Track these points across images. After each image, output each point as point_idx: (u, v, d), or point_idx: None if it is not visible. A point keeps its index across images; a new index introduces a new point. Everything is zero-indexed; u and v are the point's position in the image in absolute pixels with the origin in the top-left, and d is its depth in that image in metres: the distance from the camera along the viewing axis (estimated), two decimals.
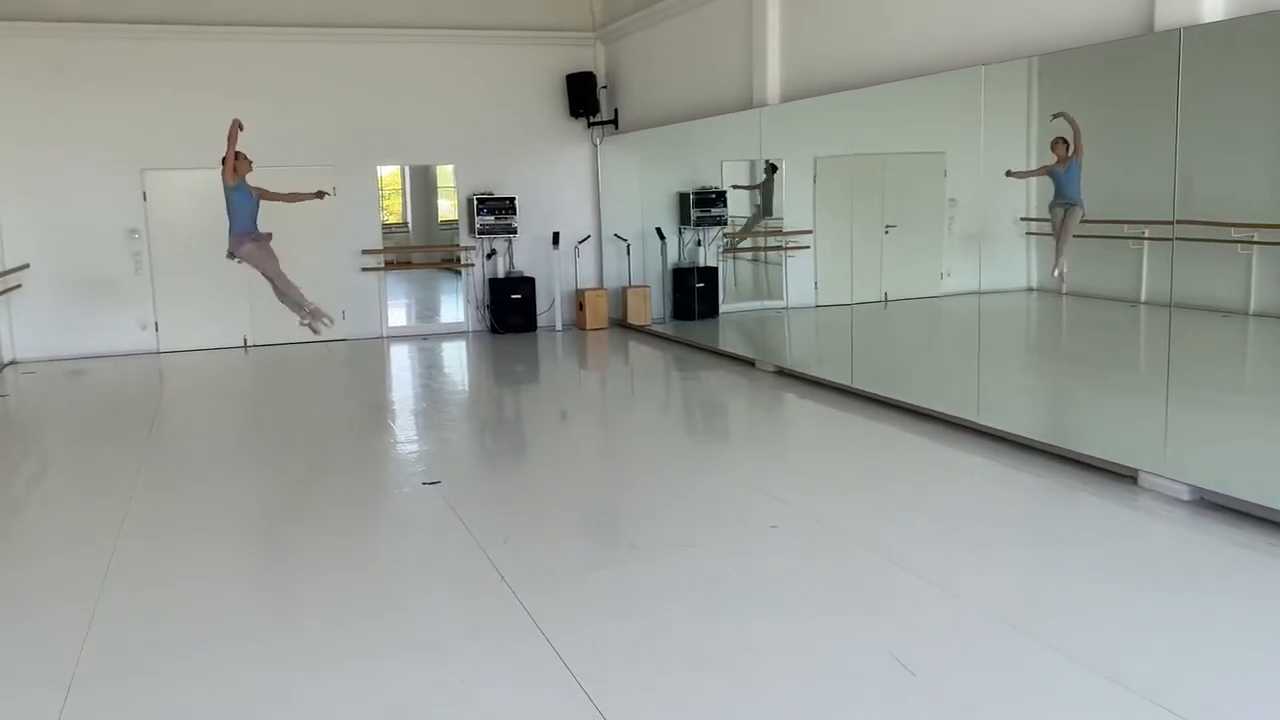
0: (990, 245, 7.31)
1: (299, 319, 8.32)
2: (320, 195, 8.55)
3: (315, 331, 8.38)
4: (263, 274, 8.18)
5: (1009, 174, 7.30)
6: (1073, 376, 7.09)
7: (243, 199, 7.96)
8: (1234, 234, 5.73)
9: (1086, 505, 5.59)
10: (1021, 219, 7.41)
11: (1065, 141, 6.81)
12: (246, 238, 7.96)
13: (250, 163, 7.96)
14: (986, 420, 6.89)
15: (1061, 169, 6.90)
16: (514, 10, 12.72)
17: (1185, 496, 5.40)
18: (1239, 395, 5.98)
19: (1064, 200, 7.05)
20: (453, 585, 4.75)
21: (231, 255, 8.10)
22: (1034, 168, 7.18)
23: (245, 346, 12.14)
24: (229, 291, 11.88)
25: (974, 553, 4.91)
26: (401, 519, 5.93)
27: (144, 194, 11.68)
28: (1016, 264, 7.44)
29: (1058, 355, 7.58)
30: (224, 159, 7.85)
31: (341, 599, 4.63)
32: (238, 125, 7.80)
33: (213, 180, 8.19)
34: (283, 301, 8.33)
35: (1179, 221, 5.56)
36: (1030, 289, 7.70)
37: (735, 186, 11.46)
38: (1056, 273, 7.23)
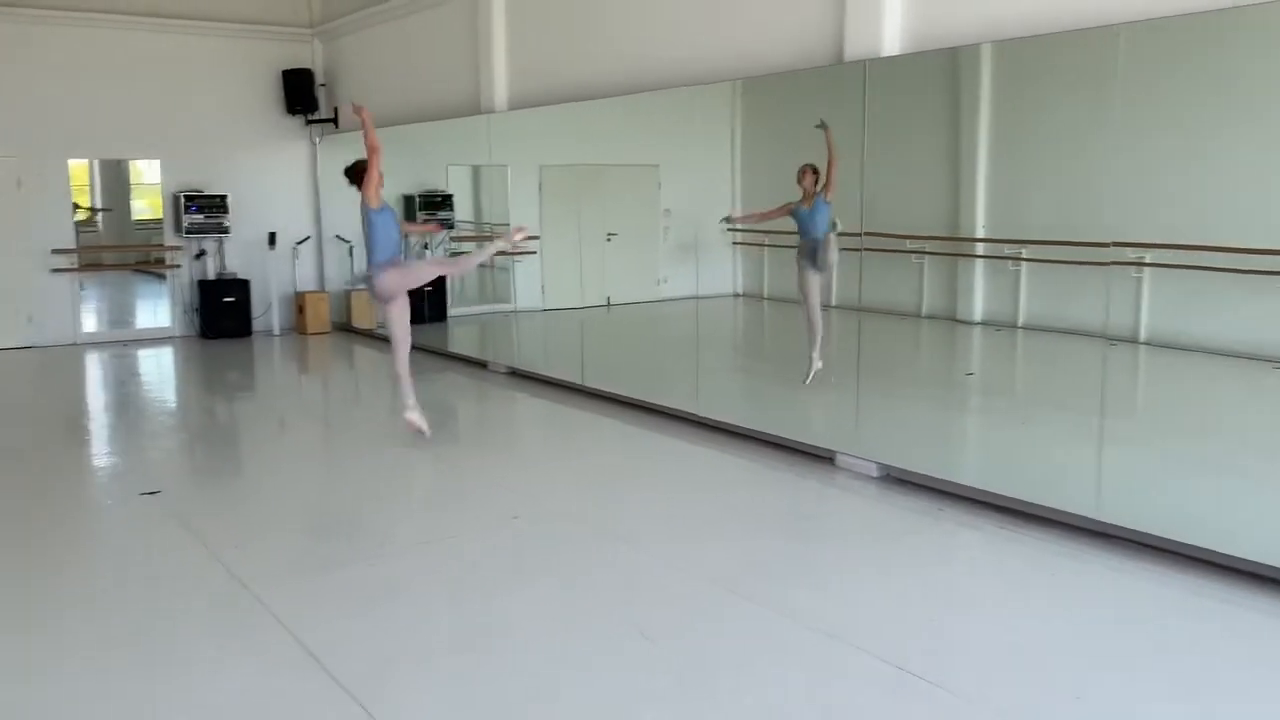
0: (701, 254, 7.84)
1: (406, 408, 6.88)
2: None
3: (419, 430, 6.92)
4: (395, 327, 6.79)
5: (726, 221, 7.40)
6: (778, 372, 7.77)
7: (389, 220, 6.64)
8: (908, 245, 6.56)
9: (793, 484, 6.20)
10: (728, 229, 8.01)
11: (815, 171, 6.60)
12: (390, 265, 6.62)
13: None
14: (705, 412, 7.42)
15: (807, 208, 6.74)
16: (225, 2, 12.15)
17: (875, 473, 6.12)
18: (915, 387, 6.83)
19: (812, 244, 6.74)
20: (188, 592, 4.58)
21: (376, 295, 6.72)
22: (763, 210, 7.05)
23: None
24: None
25: (697, 530, 5.33)
26: (122, 530, 5.61)
27: None
28: (724, 272, 8.03)
29: (764, 354, 8.29)
30: (366, 173, 6.49)
31: (67, 609, 4.41)
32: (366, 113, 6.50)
33: None
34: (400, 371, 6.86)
35: (866, 234, 6.28)
36: (737, 294, 8.35)
37: None
38: (814, 373, 6.80)
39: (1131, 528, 4.89)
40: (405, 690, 3.65)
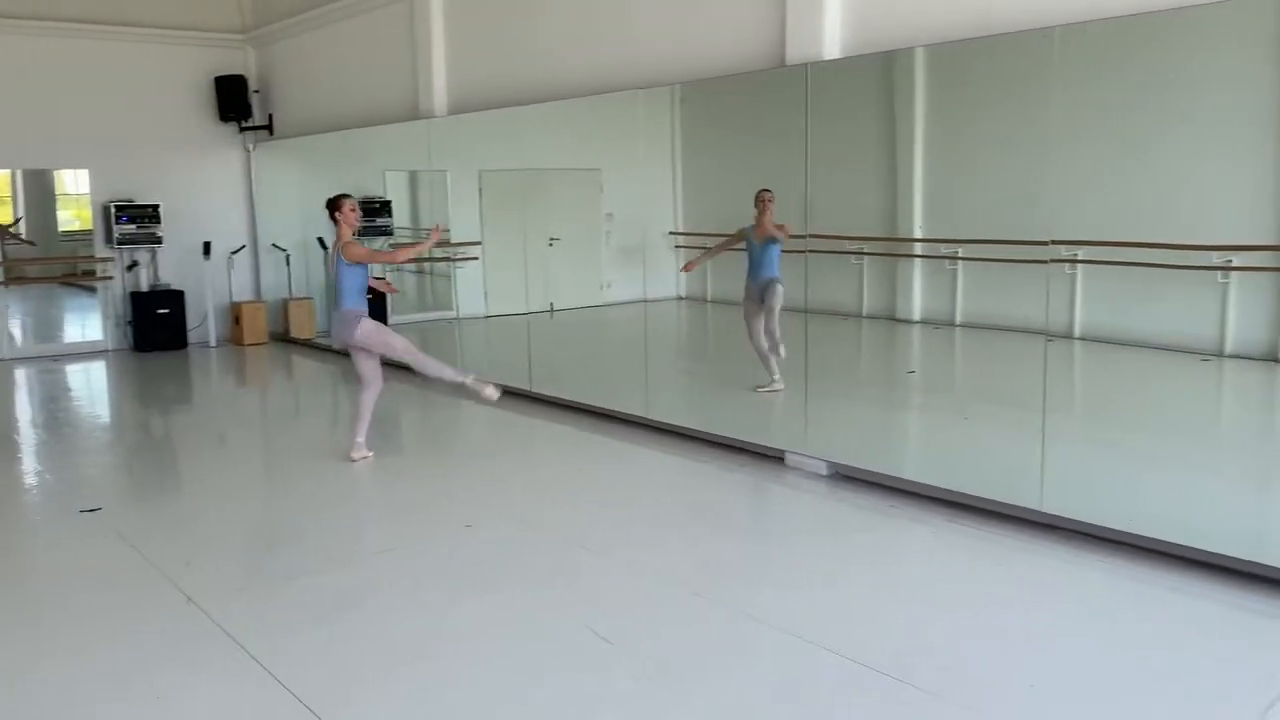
0: (644, 257, 7.86)
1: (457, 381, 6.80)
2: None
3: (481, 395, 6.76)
4: (362, 366, 6.76)
5: (686, 268, 7.63)
6: (725, 374, 7.83)
7: (360, 272, 6.55)
8: (848, 246, 6.65)
9: (744, 483, 6.25)
10: (670, 233, 8.04)
11: (770, 201, 6.59)
12: (363, 317, 6.58)
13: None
14: (654, 415, 7.44)
15: (759, 241, 6.76)
16: (154, 7, 11.90)
17: (824, 471, 6.19)
18: (859, 385, 6.93)
19: (761, 282, 6.80)
20: (137, 609, 4.47)
21: (346, 342, 6.64)
22: (716, 244, 7.12)
23: None
24: None
25: (651, 532, 5.36)
26: (65, 548, 5.43)
27: None
28: (668, 275, 8.06)
29: (710, 356, 8.34)
30: (361, 247, 6.52)
31: (15, 627, 4.31)
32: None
33: None
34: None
35: (810, 235, 6.35)
36: (680, 298, 8.38)
37: None
38: (769, 389, 6.89)
39: (1074, 518, 5.02)
40: (364, 701, 3.61)
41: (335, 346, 6.96)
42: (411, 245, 6.74)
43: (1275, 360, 4.94)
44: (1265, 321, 4.95)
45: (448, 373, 6.81)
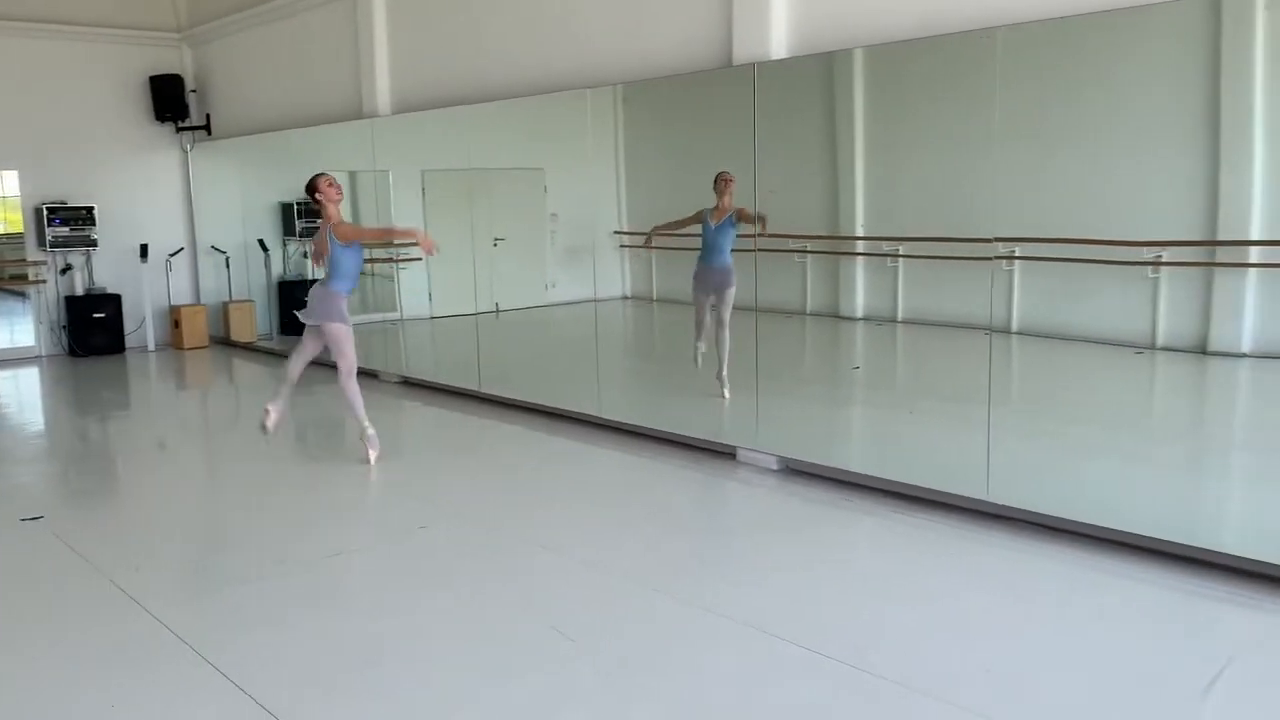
0: (590, 257, 7.87)
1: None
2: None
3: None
4: (306, 342, 6.65)
5: (647, 241, 7.62)
6: (676, 371, 7.87)
7: (358, 253, 6.51)
8: (791, 244, 6.73)
9: (697, 480, 6.31)
10: (615, 232, 8.06)
11: (731, 183, 6.51)
12: (343, 313, 6.49)
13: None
14: (606, 415, 7.47)
15: (715, 223, 6.74)
16: (85, 5, 11.63)
17: (774, 466, 6.27)
18: (806, 382, 7.01)
19: (714, 271, 6.86)
20: (86, 616, 4.38)
21: (313, 317, 6.48)
22: (675, 220, 7.07)
23: None
24: None
25: (607, 529, 5.38)
26: (7, 557, 5.29)
27: None
28: (612, 275, 8.08)
29: (658, 354, 8.37)
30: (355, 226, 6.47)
31: None
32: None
33: None
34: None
35: (757, 234, 6.42)
36: (626, 297, 8.41)
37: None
38: (720, 377, 6.88)
39: (1020, 508, 5.16)
40: (325, 703, 3.59)
41: (302, 319, 6.66)
42: (407, 231, 6.92)
43: (1203, 352, 5.10)
44: (1193, 315, 5.11)
45: (359, 412, 6.68)
